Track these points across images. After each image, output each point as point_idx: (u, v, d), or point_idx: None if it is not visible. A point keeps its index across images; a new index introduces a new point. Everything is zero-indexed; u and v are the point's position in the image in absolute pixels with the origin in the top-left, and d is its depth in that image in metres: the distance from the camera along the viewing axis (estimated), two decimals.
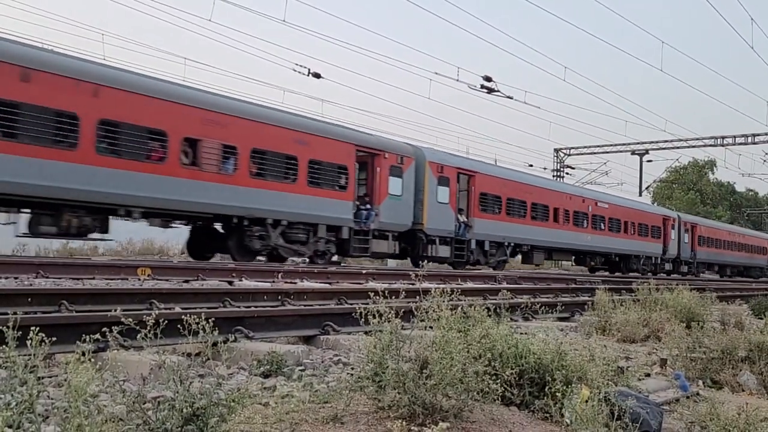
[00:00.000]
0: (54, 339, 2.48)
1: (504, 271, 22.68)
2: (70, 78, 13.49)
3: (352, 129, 20.69)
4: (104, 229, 15.00)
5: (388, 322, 3.22)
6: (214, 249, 18.53)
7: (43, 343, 2.33)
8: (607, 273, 31.15)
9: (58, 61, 13.81)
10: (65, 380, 2.34)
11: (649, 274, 32.35)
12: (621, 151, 47.07)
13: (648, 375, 4.99)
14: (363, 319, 3.30)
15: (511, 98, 31.32)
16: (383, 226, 20.28)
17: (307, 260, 18.46)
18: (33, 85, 12.89)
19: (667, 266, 37.79)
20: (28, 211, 13.97)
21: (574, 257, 32.09)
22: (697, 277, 35.06)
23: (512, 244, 25.68)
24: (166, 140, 15.02)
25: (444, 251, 22.43)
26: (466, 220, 23.42)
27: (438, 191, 22.09)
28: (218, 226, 17.76)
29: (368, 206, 20.02)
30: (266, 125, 17.07)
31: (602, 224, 31.49)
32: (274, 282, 12.25)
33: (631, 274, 31.26)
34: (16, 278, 9.82)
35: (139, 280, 11.10)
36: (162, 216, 16.23)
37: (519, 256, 27.71)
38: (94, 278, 10.70)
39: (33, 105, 12.94)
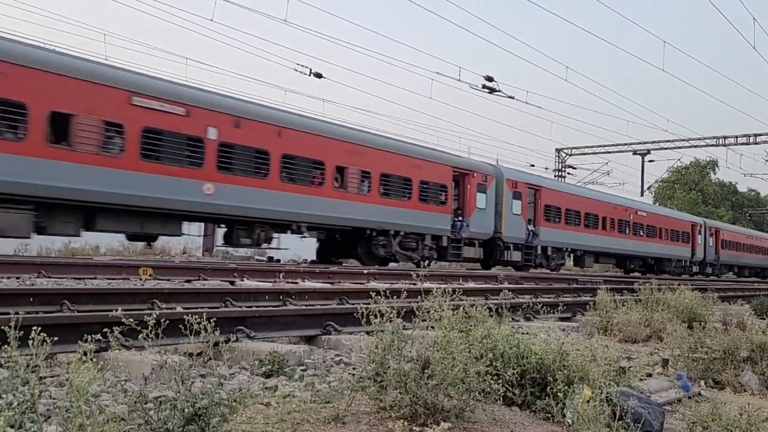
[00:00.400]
0: (56, 339, 2.48)
1: (504, 271, 23.02)
2: (264, 123, 17.31)
3: (450, 153, 24.71)
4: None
5: (390, 322, 3.22)
6: (340, 255, 21.90)
7: (44, 343, 2.33)
8: (639, 274, 33.15)
9: (257, 110, 17.72)
10: (67, 380, 2.34)
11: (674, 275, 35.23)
12: (623, 151, 47.07)
13: (650, 375, 4.98)
14: (364, 319, 3.30)
15: (512, 98, 31.37)
16: (472, 235, 23.95)
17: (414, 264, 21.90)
18: (242, 130, 16.76)
19: (695, 268, 40.96)
20: (224, 226, 18.09)
21: (616, 260, 35.20)
22: (719, 278, 37.90)
23: (569, 249, 29.69)
24: (324, 168, 18.84)
25: (516, 256, 26.02)
26: (533, 228, 27.02)
27: (513, 204, 25.81)
28: (337, 236, 20.97)
29: (461, 218, 23.62)
30: (391, 153, 21.01)
31: (641, 231, 35.11)
32: (275, 282, 12.26)
33: (663, 275, 33.97)
34: (17, 278, 9.83)
35: (141, 280, 11.11)
36: (319, 230, 19.60)
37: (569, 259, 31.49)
38: (95, 278, 10.71)
39: (242, 145, 16.77)
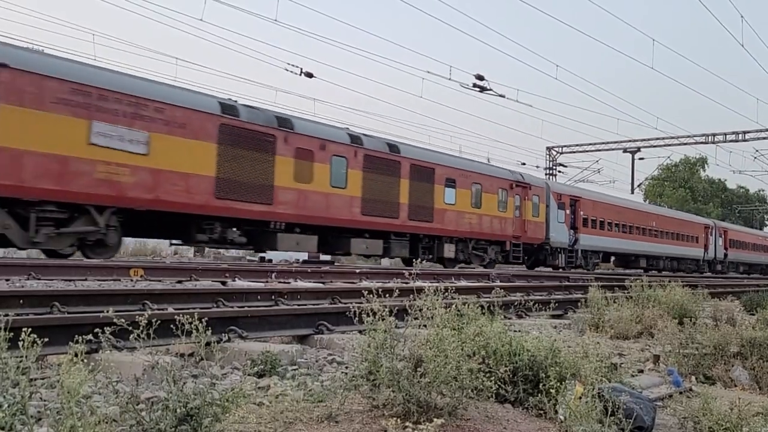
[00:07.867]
0: (46, 340, 2.46)
1: (496, 270, 23.31)
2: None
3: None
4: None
5: (382, 320, 3.22)
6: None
7: (35, 345, 2.31)
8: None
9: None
10: (58, 381, 2.33)
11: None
12: (613, 149, 47.19)
13: (641, 371, 5.00)
14: (357, 318, 3.30)
15: (503, 96, 31.45)
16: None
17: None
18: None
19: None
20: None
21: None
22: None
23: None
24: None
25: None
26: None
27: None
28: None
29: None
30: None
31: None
32: (267, 282, 12.22)
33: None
34: (7, 280, 9.75)
35: (132, 281, 11.05)
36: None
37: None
38: (86, 279, 10.64)
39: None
